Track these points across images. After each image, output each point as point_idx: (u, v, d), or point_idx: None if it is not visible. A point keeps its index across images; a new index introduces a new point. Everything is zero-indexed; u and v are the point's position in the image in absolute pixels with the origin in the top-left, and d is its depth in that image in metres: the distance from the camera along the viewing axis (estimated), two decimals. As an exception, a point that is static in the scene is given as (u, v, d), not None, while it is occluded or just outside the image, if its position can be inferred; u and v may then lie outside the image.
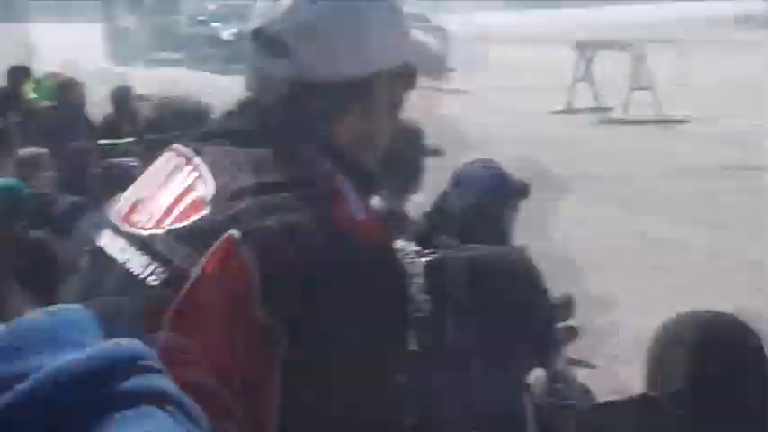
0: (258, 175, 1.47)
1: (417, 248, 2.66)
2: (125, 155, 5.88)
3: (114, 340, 0.60)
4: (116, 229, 1.54)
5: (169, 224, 1.46)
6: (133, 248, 1.48)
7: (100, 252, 1.54)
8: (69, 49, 22.41)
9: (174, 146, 1.61)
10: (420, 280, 2.53)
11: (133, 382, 0.58)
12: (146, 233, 1.48)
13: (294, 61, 1.52)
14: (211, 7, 29.52)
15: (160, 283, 1.42)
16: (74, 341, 0.59)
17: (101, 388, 0.57)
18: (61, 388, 0.55)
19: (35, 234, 4.87)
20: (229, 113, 1.62)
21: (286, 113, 1.53)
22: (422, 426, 2.28)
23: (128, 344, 0.61)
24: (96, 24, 33.52)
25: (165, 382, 0.61)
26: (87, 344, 0.59)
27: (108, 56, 30.24)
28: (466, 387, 2.43)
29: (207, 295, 1.39)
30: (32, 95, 10.26)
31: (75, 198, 5.54)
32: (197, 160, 1.52)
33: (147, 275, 1.44)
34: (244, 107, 1.60)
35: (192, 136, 1.63)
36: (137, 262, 1.46)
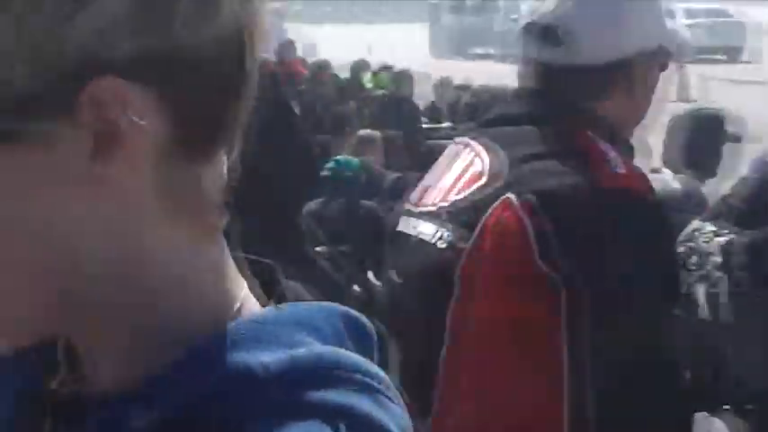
0: (528, 147, 1.51)
1: (714, 229, 2.54)
2: (444, 138, 5.96)
3: (328, 348, 0.52)
4: (410, 213, 1.60)
5: (453, 196, 1.52)
6: (423, 222, 1.55)
7: (400, 235, 1.61)
8: (400, 46, 23.13)
9: (457, 138, 1.68)
10: (716, 258, 2.42)
11: (319, 394, 0.50)
12: (434, 208, 1.54)
13: (565, 48, 1.54)
14: (524, 7, 29.47)
15: (448, 245, 1.48)
16: (290, 341, 0.52)
17: (279, 393, 0.50)
18: (240, 388, 0.50)
19: (366, 203, 5.05)
20: (507, 101, 1.68)
21: (556, 95, 1.57)
22: (698, 384, 2.24)
23: (336, 353, 0.52)
24: (423, 24, 34.39)
25: (358, 400, 0.50)
26: (303, 345, 0.52)
27: (432, 51, 30.93)
28: (745, 361, 2.31)
29: (488, 252, 1.44)
30: (369, 85, 10.65)
31: (400, 174, 5.69)
32: (475, 144, 1.57)
33: (437, 240, 1.50)
34: (519, 94, 1.64)
35: (478, 123, 1.71)
36: (427, 231, 1.53)
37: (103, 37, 0.48)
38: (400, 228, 1.61)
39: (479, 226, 1.45)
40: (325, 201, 4.92)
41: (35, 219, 0.50)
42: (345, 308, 0.56)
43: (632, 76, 1.57)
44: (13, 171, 0.49)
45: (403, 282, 1.61)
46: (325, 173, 4.96)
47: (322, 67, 10.43)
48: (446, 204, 1.53)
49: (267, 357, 0.51)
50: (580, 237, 1.43)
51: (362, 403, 0.51)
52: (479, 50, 30.12)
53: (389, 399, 0.53)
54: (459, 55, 28.63)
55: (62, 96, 0.48)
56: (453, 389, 1.48)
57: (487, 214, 1.44)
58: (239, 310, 0.55)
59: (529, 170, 1.47)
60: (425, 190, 1.60)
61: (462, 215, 1.49)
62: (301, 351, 0.51)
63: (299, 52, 12.37)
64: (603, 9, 1.56)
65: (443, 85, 10.30)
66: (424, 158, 5.18)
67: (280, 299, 0.56)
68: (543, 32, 1.56)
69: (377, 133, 6.47)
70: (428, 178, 1.63)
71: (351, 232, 4.75)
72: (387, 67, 10.96)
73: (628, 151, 1.59)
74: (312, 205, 4.90)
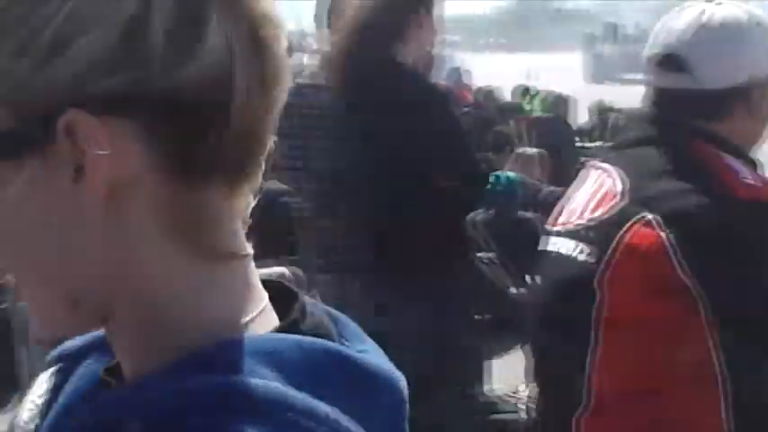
0: (659, 165, 1.50)
1: None
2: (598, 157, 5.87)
3: (262, 382, 0.49)
4: (549, 233, 1.62)
5: (589, 215, 1.53)
6: (563, 239, 1.56)
7: (542, 253, 1.63)
8: (558, 72, 22.82)
9: (590, 161, 1.69)
10: None
11: (229, 427, 0.47)
12: (572, 227, 1.55)
13: (692, 75, 1.54)
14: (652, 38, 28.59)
15: (590, 259, 1.48)
16: (246, 369, 0.50)
17: (198, 416, 0.48)
18: (173, 407, 0.49)
19: (524, 215, 5.06)
20: (637, 124, 1.66)
21: (680, 118, 1.56)
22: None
23: (273, 390, 0.49)
24: (583, 51, 33.85)
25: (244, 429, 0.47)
26: (255, 376, 0.50)
27: (588, 76, 30.39)
28: None
29: (629, 265, 1.43)
30: (529, 108, 10.60)
31: (557, 188, 5.65)
32: (606, 166, 1.58)
33: (578, 254, 1.50)
34: (647, 118, 1.63)
35: (612, 146, 1.73)
36: (568, 247, 1.53)
37: (79, 78, 0.49)
38: (541, 246, 1.62)
39: (618, 241, 1.44)
40: (494, 212, 4.98)
41: (37, 229, 0.51)
42: (337, 347, 0.54)
43: (749, 99, 1.56)
44: (9, 185, 0.50)
45: (546, 293, 1.62)
46: (488, 187, 5.01)
47: (487, 92, 10.47)
48: (585, 222, 1.53)
49: (209, 382, 0.49)
50: (717, 247, 1.41)
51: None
52: (634, 76, 29.37)
53: None
54: (614, 80, 27.99)
55: (41, 126, 0.49)
56: (604, 386, 1.48)
57: (625, 230, 1.44)
58: (245, 326, 0.53)
59: (661, 187, 1.46)
60: (564, 209, 1.61)
61: (601, 232, 1.48)
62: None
63: (464, 78, 12.45)
64: (721, 40, 1.55)
65: (600, 107, 10.16)
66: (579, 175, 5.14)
67: (289, 326, 0.54)
68: (667, 61, 1.57)
69: (536, 151, 6.45)
70: (566, 199, 1.63)
71: (512, 241, 4.79)
72: (548, 92, 10.89)
73: (753, 166, 1.57)
74: (482, 215, 4.97)
